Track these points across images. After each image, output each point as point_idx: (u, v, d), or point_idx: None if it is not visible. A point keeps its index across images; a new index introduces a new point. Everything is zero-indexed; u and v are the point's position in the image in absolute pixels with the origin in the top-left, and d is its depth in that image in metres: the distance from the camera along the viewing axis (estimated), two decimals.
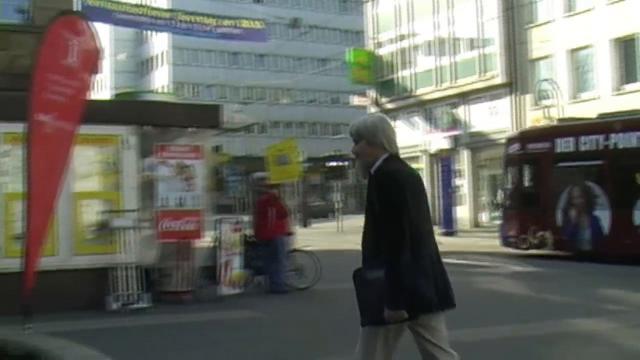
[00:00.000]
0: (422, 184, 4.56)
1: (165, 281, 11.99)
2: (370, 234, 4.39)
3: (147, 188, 12.00)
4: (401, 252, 4.15)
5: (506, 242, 19.72)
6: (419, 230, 4.27)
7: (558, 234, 18.07)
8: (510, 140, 20.55)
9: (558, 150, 18.35)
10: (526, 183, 19.77)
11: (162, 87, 71.68)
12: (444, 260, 4.51)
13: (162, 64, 76.55)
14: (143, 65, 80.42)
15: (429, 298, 4.23)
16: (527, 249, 18.79)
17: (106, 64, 70.27)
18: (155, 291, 11.67)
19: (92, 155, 11.65)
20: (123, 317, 10.66)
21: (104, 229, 11.52)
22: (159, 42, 74.71)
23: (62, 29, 7.36)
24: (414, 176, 4.47)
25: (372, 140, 4.40)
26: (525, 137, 20.27)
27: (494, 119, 31.28)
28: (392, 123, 4.69)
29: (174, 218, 12.03)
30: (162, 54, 76.33)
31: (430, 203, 5.18)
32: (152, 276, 11.79)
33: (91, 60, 7.65)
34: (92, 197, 11.65)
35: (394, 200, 4.22)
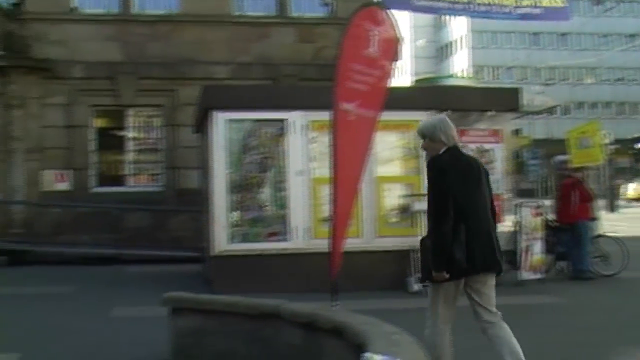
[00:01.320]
0: (477, 170, 5.46)
1: None
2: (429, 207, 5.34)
3: None
4: (442, 225, 5.13)
5: None
6: (462, 208, 5.17)
7: None
8: None
9: None
10: None
11: (462, 71, 71.74)
12: None
13: (461, 48, 76.60)
14: (442, 50, 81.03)
15: (461, 263, 5.12)
16: None
17: (406, 51, 71.75)
18: None
19: (393, 141, 12.04)
20: (424, 298, 10.89)
21: (405, 212, 11.88)
22: (458, 27, 74.79)
23: (364, 20, 7.67)
24: (468, 163, 5.45)
25: (433, 137, 5.47)
26: None
27: None
28: None
29: None
30: (461, 38, 76.40)
31: None
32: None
33: (391, 49, 7.89)
34: (394, 182, 12.04)
35: (437, 183, 5.24)
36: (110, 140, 18.37)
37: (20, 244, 16.56)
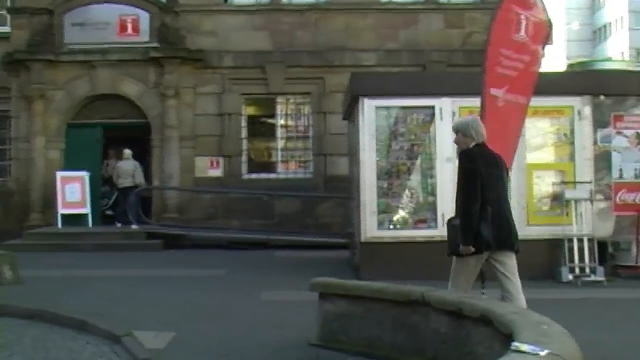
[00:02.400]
0: (499, 164, 6.32)
1: (621, 255, 11.68)
2: (458, 193, 6.28)
3: (601, 160, 11.76)
4: (472, 206, 6.04)
5: None
6: (488, 193, 6.06)
7: None
8: None
9: None
10: None
11: (619, 54, 68.76)
12: None
13: (618, 30, 73.40)
14: (597, 33, 77.94)
15: (487, 239, 6.02)
16: None
17: (558, 35, 69.50)
18: (610, 265, 11.45)
19: (544, 127, 11.75)
20: (576, 289, 10.65)
21: (556, 201, 11.58)
22: (615, 7, 71.68)
23: (513, 4, 7.55)
24: (492, 156, 6.32)
25: (465, 133, 6.32)
26: None
27: None
28: None
29: (629, 190, 11.66)
30: (618, 19, 73.16)
31: None
32: (607, 249, 11.58)
33: (541, 33, 7.74)
34: (545, 169, 11.75)
35: (468, 171, 6.12)
36: (260, 128, 18.88)
37: (175, 228, 17.32)
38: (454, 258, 6.27)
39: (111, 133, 19.22)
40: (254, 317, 8.39)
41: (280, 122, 18.88)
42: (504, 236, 6.14)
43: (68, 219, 17.74)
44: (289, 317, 8.30)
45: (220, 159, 18.26)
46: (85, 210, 18.00)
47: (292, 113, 19.00)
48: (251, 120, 18.89)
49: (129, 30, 18.25)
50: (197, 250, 16.05)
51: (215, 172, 18.28)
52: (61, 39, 18.32)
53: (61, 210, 17.66)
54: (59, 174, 17.88)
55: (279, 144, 18.81)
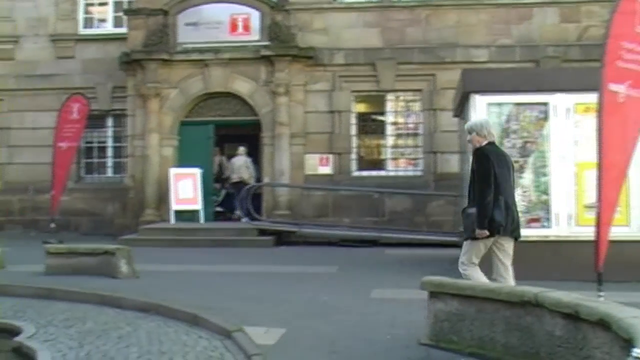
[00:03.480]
0: (508, 160, 7.35)
1: None
2: (472, 187, 7.26)
3: None
4: (487, 195, 7.02)
5: None
6: (500, 185, 7.05)
7: None
8: None
9: None
10: None
11: None
12: None
13: None
14: None
15: (500, 224, 7.04)
16: None
17: None
18: None
19: None
20: None
21: None
22: None
23: None
24: (501, 154, 7.39)
25: (479, 133, 7.28)
26: None
27: None
28: None
29: None
30: None
31: None
32: None
33: None
34: None
35: (483, 165, 7.09)
36: (370, 125, 18.90)
37: (285, 224, 17.51)
38: (467, 242, 7.35)
39: (223, 130, 19.65)
40: (363, 315, 8.39)
41: (391, 119, 18.83)
42: (513, 223, 7.19)
43: (181, 215, 18.23)
44: (398, 315, 8.26)
45: (331, 156, 18.36)
46: (198, 206, 18.44)
47: (402, 110, 18.91)
48: (361, 117, 18.92)
49: (240, 29, 18.57)
50: (307, 247, 16.19)
51: (326, 169, 18.40)
52: (175, 39, 18.80)
53: (175, 206, 18.15)
54: (173, 171, 18.38)
55: (390, 141, 18.76)
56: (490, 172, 7.03)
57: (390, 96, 18.73)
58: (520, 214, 11.20)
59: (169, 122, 18.85)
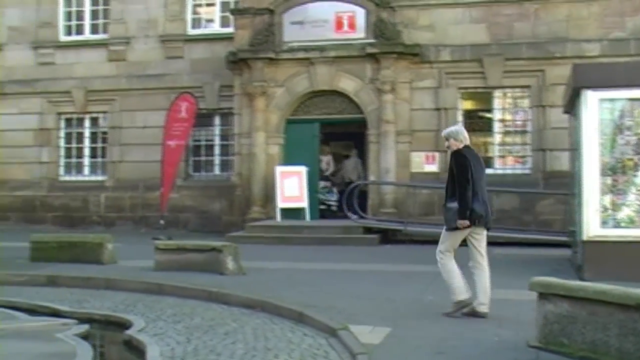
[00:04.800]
0: (481, 159, 8.48)
1: None
2: (449, 183, 8.30)
3: None
4: (467, 190, 7.99)
5: None
6: (476, 182, 8.08)
7: None
8: None
9: None
10: None
11: None
12: None
13: None
14: None
15: (480, 215, 8.07)
16: None
17: None
18: None
19: None
20: None
21: None
22: None
23: None
24: (476, 155, 8.44)
25: (456, 139, 8.32)
26: None
27: None
28: None
29: None
30: None
31: None
32: None
33: None
34: None
35: (462, 165, 8.09)
36: (477, 123, 18.62)
37: (391, 223, 17.47)
38: (444, 231, 8.34)
39: (328, 128, 19.74)
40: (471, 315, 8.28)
41: (498, 116, 18.51)
42: (487, 215, 8.24)
43: (287, 213, 18.42)
44: (506, 316, 8.13)
45: (437, 154, 18.18)
46: (304, 204, 18.61)
47: (510, 107, 18.57)
48: (468, 114, 18.67)
49: (346, 27, 18.61)
50: (413, 245, 16.10)
51: (432, 167, 18.25)
52: (281, 37, 18.99)
53: (281, 204, 18.37)
54: (279, 169, 18.59)
55: (497, 138, 18.46)
56: (468, 170, 8.09)
57: (497, 93, 18.42)
58: (635, 214, 10.97)
59: (275, 120, 19.06)
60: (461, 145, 8.32)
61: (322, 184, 19.91)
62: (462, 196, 8.04)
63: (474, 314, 8.12)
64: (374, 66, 18.38)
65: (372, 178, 18.52)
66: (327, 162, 20.60)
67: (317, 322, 7.79)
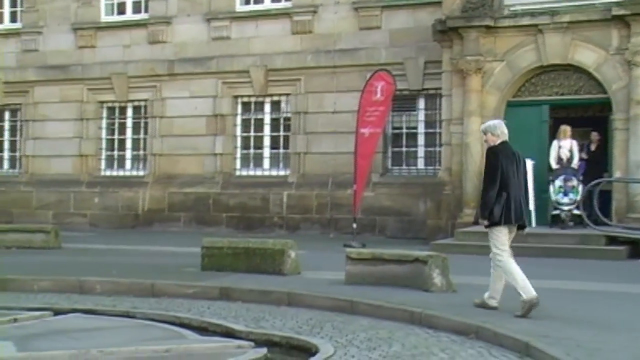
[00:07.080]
0: (517, 157, 9.78)
1: None
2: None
3: None
4: (490, 190, 9.53)
5: None
6: (506, 181, 9.48)
7: None
8: None
9: None
10: None
11: None
12: None
13: None
14: None
15: (498, 217, 9.54)
16: None
17: None
18: None
19: None
20: None
21: None
22: None
23: None
24: (512, 152, 9.77)
25: (494, 133, 9.71)
26: None
27: None
28: None
29: None
30: None
31: None
32: None
33: None
34: None
35: (493, 162, 9.61)
36: None
37: None
38: (489, 230, 9.80)
39: (560, 112, 19.03)
40: None
41: None
42: (517, 213, 9.52)
43: None
44: None
45: None
46: (529, 206, 17.90)
47: None
48: None
49: None
50: None
51: None
52: (501, 0, 18.55)
53: None
54: None
55: None
56: (497, 169, 9.41)
57: None
58: None
59: (493, 103, 18.70)
60: (498, 141, 9.62)
61: (557, 182, 18.62)
62: (484, 196, 9.62)
63: (483, 306, 9.94)
64: (622, 32, 17.62)
65: (617, 174, 17.72)
66: (568, 148, 19.04)
67: (549, 356, 7.37)
